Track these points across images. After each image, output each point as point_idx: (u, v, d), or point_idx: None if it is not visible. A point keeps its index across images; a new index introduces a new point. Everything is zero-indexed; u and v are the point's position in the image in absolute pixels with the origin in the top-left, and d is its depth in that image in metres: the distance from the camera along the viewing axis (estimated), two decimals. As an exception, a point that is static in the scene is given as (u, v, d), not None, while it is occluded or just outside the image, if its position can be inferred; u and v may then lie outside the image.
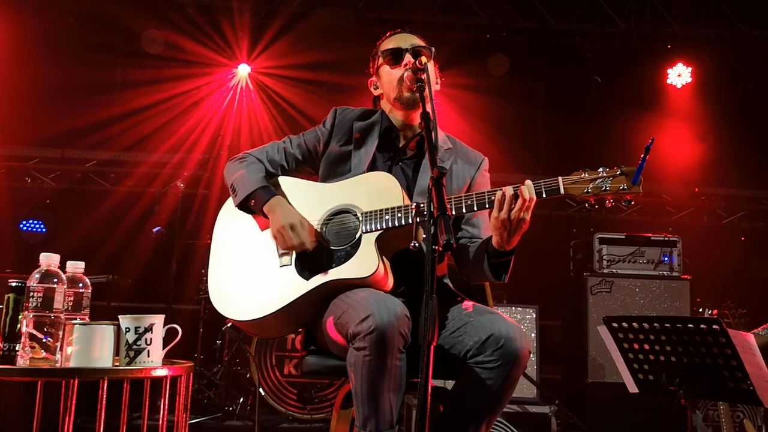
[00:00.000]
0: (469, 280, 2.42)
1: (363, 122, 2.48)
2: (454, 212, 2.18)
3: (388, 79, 2.43)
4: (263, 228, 2.38)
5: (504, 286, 4.81)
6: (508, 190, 2.06)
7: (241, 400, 4.67)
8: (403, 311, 1.98)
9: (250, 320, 2.24)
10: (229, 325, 2.32)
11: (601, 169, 2.10)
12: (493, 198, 2.11)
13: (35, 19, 5.99)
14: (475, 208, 2.16)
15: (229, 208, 2.49)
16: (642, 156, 2.00)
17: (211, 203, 6.03)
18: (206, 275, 4.98)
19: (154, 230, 5.41)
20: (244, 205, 2.38)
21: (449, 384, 2.24)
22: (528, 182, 2.09)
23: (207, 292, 4.91)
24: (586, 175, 2.10)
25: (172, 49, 6.16)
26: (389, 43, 2.46)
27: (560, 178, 2.11)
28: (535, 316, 4.48)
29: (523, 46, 6.51)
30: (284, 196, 2.38)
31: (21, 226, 6.21)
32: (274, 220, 2.29)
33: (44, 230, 6.27)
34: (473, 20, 6.41)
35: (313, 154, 2.50)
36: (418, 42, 2.43)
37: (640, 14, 6.44)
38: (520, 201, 2.04)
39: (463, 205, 2.17)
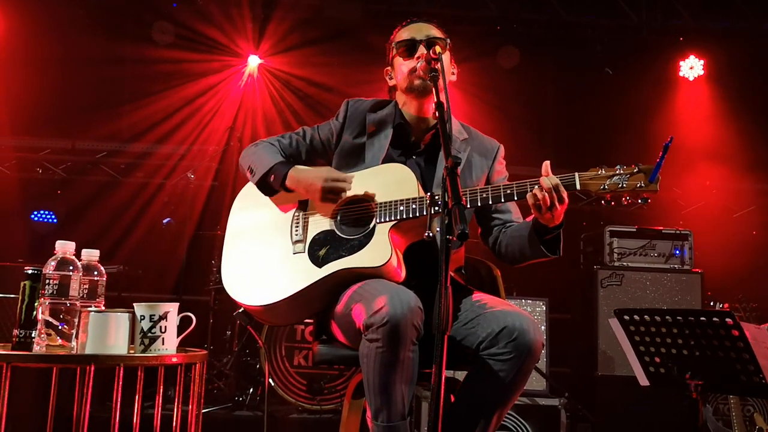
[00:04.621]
0: (514, 262, 2.41)
1: (376, 114, 2.48)
2: (469, 205, 2.19)
3: (400, 71, 2.42)
4: (277, 216, 2.39)
5: (514, 278, 4.83)
6: (537, 192, 2.07)
7: (251, 390, 4.69)
8: (417, 303, 1.98)
9: (261, 305, 2.25)
10: (240, 310, 2.34)
11: (618, 167, 2.10)
12: (508, 192, 2.14)
13: (44, 9, 6.01)
14: (490, 202, 2.17)
15: (244, 196, 2.50)
16: (660, 154, 1.99)
17: (222, 194, 6.04)
18: (216, 266, 5.03)
19: (164, 221, 5.43)
20: (263, 182, 2.37)
21: (459, 375, 2.24)
22: (543, 178, 2.09)
23: (217, 283, 4.98)
24: (603, 172, 2.11)
25: (182, 40, 6.16)
26: (404, 34, 2.44)
27: (576, 174, 2.12)
28: (545, 308, 4.47)
29: (533, 39, 6.47)
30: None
31: (32, 216, 6.23)
32: (306, 184, 2.28)
33: (55, 221, 6.30)
34: (483, 12, 6.37)
35: (326, 146, 2.51)
36: (434, 33, 2.41)
37: (651, 6, 6.39)
38: (540, 195, 2.06)
39: (478, 197, 2.18)
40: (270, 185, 2.36)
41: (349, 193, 2.32)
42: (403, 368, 1.96)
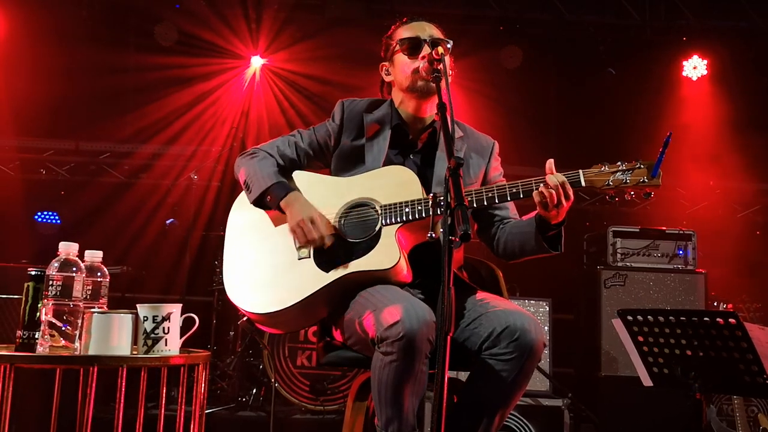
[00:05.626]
0: (512, 258, 2.43)
1: (372, 115, 2.46)
2: (476, 204, 2.19)
3: (402, 69, 2.39)
4: (279, 220, 2.36)
5: (517, 279, 4.82)
6: (544, 190, 2.10)
7: (254, 391, 4.70)
8: (431, 317, 1.97)
9: (267, 313, 2.23)
10: (245, 319, 2.33)
11: (619, 163, 2.15)
12: (514, 190, 2.16)
13: (48, 11, 6.02)
14: (497, 201, 2.19)
15: (243, 199, 2.48)
16: (661, 150, 2.04)
17: (225, 195, 6.04)
18: (219, 267, 5.03)
19: (168, 222, 5.43)
20: (259, 202, 2.36)
21: (462, 375, 2.24)
22: (549, 176, 2.11)
23: (220, 284, 4.97)
24: (606, 168, 2.15)
25: (184, 42, 6.16)
26: (407, 32, 2.42)
27: (581, 171, 2.15)
28: (548, 309, 4.47)
29: (536, 38, 6.47)
30: (299, 190, 2.37)
31: (36, 217, 6.24)
32: (292, 214, 2.27)
33: (59, 222, 6.31)
34: (486, 12, 6.36)
35: (324, 149, 2.49)
36: (437, 33, 2.41)
37: (654, 6, 6.37)
38: (547, 192, 2.09)
39: (484, 197, 2.19)
40: (266, 204, 2.35)
41: (351, 197, 2.31)
42: (416, 381, 1.97)
